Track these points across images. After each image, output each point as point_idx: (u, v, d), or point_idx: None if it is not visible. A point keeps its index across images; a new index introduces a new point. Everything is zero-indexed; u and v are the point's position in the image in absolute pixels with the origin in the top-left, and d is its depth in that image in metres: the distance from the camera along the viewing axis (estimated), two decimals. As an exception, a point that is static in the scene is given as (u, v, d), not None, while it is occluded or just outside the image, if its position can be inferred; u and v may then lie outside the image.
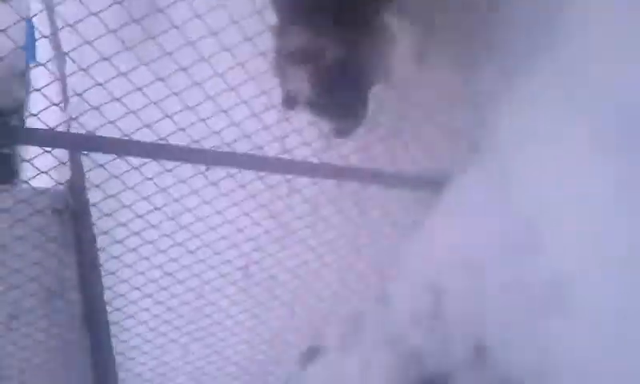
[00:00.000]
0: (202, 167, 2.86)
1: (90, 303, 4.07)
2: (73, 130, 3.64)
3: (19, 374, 3.81)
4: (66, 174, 4.30)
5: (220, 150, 2.71)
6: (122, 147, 2.48)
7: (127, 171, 2.79)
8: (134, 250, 3.20)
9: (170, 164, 2.69)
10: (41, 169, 2.66)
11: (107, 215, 3.04)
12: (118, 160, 2.66)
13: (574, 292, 2.58)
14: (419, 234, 3.28)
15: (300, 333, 3.85)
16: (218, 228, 3.19)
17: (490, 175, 3.04)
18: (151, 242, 3.18)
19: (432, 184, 3.25)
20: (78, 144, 2.64)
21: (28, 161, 2.59)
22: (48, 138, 2.38)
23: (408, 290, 3.26)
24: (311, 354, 3.83)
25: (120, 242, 3.19)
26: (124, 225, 3.07)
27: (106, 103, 2.62)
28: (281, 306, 3.72)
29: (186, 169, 2.82)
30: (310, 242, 3.43)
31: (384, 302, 3.42)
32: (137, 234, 3.10)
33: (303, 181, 3.20)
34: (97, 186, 2.96)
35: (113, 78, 2.58)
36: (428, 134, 3.16)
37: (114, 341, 3.97)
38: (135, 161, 2.70)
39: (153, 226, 3.09)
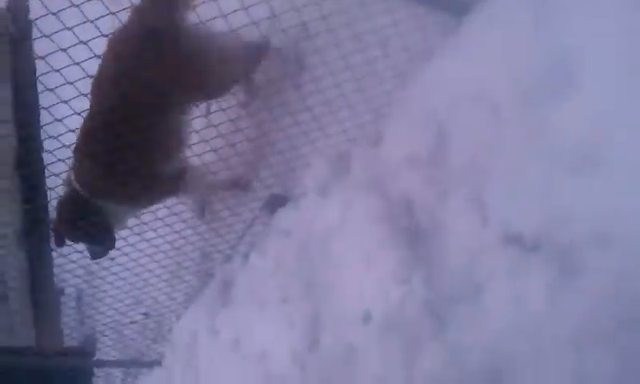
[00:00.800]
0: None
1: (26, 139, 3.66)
2: None
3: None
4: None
5: None
6: None
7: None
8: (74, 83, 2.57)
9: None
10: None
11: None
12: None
13: (613, 148, 2.04)
14: (431, 62, 2.71)
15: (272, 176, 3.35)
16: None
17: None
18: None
19: (455, 4, 2.66)
20: None
21: None
22: None
23: (406, 129, 2.72)
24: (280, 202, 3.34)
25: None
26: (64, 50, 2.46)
27: None
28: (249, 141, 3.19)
29: None
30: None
31: (376, 143, 2.89)
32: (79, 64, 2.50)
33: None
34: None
35: None
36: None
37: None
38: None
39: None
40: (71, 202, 2.99)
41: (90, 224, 2.98)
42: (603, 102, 2.09)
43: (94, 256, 3.24)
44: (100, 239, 3.11)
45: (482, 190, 2.33)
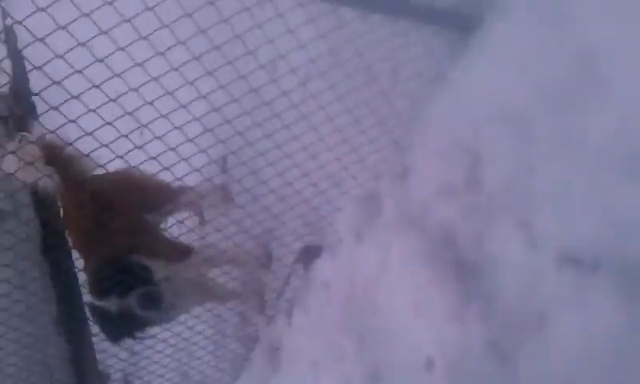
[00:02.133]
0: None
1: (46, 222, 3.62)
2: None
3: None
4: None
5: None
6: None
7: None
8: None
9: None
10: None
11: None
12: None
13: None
14: (446, 85, 2.60)
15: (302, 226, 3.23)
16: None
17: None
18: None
19: (463, 20, 2.55)
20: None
21: None
22: None
23: (433, 158, 2.59)
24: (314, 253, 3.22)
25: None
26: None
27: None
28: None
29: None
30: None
31: (404, 177, 2.77)
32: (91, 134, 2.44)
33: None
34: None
35: None
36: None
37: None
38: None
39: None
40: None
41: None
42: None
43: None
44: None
45: (527, 211, 2.20)
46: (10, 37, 4.09)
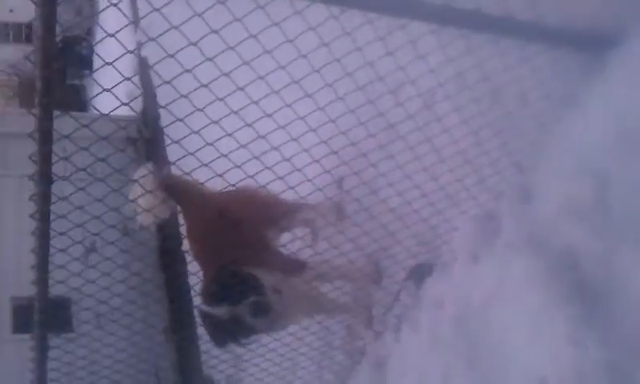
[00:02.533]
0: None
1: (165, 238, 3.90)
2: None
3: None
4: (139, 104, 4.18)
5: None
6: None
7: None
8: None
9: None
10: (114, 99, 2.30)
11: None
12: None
13: None
14: (577, 106, 2.55)
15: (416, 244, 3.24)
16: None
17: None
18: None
19: (596, 42, 2.51)
20: None
21: (104, 90, 2.20)
22: None
23: (558, 179, 2.55)
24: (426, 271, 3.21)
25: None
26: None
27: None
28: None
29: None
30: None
31: (526, 198, 2.73)
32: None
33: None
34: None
35: None
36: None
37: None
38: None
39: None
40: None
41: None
42: None
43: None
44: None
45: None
46: (144, 65, 4.38)
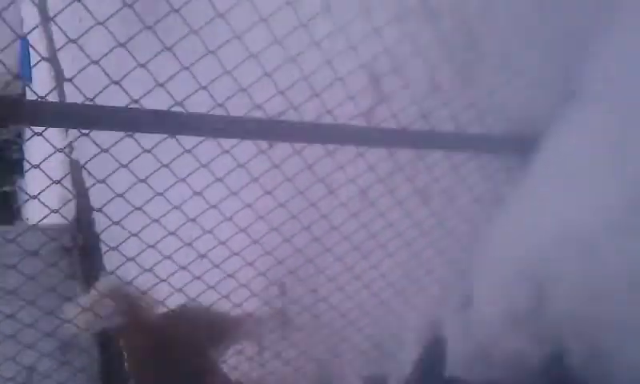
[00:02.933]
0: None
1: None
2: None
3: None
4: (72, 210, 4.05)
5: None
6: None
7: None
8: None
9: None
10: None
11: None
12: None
13: None
14: (505, 210, 2.56)
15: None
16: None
17: (595, 127, 2.32)
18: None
19: (518, 145, 2.55)
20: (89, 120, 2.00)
21: (32, 197, 2.09)
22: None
23: (498, 285, 2.52)
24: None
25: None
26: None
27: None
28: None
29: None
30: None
31: (467, 305, 2.69)
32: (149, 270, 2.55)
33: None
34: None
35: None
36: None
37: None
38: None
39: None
40: None
41: None
42: None
43: None
44: None
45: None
46: (76, 168, 4.25)
